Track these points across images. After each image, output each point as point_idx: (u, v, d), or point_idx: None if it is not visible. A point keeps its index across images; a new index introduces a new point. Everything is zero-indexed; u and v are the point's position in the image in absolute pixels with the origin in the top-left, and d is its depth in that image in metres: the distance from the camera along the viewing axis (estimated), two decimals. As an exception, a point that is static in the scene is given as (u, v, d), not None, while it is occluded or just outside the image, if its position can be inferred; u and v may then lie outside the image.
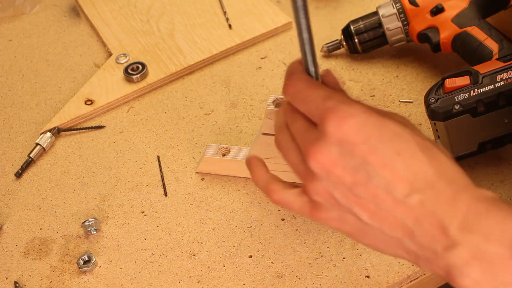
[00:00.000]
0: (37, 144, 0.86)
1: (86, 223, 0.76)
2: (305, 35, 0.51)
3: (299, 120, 0.52)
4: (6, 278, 0.74)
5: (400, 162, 0.47)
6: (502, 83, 0.71)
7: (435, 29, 0.83)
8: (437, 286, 0.73)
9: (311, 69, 0.53)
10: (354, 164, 0.48)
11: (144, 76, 0.93)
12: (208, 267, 0.72)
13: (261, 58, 0.96)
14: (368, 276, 0.69)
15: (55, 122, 0.89)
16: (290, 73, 0.53)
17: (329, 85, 0.53)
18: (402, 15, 0.86)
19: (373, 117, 0.48)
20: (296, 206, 0.53)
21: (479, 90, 0.71)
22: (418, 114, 0.84)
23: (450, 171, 0.48)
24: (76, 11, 1.08)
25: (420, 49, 0.91)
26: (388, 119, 0.49)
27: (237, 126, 0.86)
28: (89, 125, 0.90)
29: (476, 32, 0.80)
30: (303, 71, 0.53)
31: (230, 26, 0.99)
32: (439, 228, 0.46)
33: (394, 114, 0.51)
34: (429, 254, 0.47)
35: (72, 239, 0.77)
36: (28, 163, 0.85)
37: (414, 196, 0.47)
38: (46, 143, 0.86)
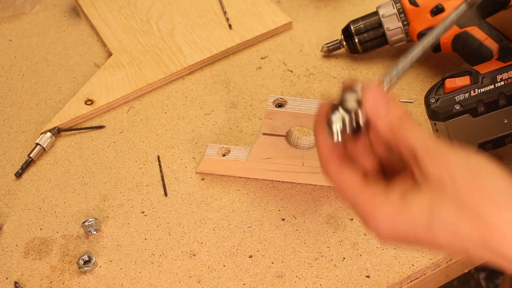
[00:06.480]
0: (37, 144, 0.86)
1: (86, 223, 0.76)
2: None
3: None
4: (6, 278, 0.74)
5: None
6: (502, 83, 0.71)
7: (435, 29, 0.83)
8: (437, 286, 0.73)
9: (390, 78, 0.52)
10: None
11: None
12: (208, 267, 0.72)
13: (261, 58, 0.96)
14: (368, 276, 0.69)
15: (55, 122, 0.89)
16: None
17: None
18: (402, 15, 0.86)
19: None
20: None
21: (479, 90, 0.71)
22: (418, 114, 0.84)
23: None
24: (76, 11, 1.08)
25: (420, 49, 0.91)
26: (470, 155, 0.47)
27: (237, 126, 0.86)
28: (89, 125, 0.90)
29: (476, 32, 0.80)
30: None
31: (230, 26, 0.99)
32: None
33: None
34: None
35: (72, 239, 0.77)
36: (28, 163, 0.85)
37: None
38: (46, 143, 0.86)
